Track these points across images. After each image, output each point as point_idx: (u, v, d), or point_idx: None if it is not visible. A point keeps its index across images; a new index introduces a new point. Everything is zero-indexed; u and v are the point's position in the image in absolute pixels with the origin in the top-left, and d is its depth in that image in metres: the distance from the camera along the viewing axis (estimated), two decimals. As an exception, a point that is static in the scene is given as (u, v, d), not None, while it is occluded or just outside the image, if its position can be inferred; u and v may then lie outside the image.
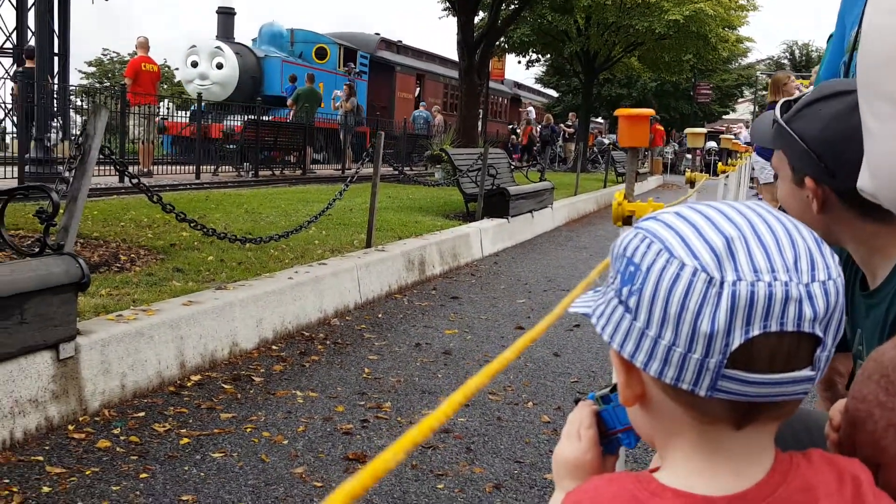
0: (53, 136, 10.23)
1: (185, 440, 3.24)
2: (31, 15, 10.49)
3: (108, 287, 4.56)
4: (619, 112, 2.70)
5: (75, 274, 3.31)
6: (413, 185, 13.08)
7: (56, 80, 10.13)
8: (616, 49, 29.14)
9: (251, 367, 4.26)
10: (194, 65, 19.54)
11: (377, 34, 28.38)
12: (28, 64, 10.37)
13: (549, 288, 7.12)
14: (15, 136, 10.57)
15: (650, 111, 2.80)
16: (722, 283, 0.72)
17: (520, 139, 29.79)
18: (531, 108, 31.48)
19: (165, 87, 41.64)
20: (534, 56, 32.30)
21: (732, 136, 16.91)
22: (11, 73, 10.14)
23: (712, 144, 28.75)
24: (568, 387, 4.27)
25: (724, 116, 50.21)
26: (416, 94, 28.81)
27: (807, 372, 0.75)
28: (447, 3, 23.27)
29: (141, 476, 2.89)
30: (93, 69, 43.66)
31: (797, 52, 55.22)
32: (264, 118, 16.75)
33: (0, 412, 3.00)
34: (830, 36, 3.82)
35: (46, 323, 3.19)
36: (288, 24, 23.38)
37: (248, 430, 3.39)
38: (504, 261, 8.63)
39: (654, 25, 24.68)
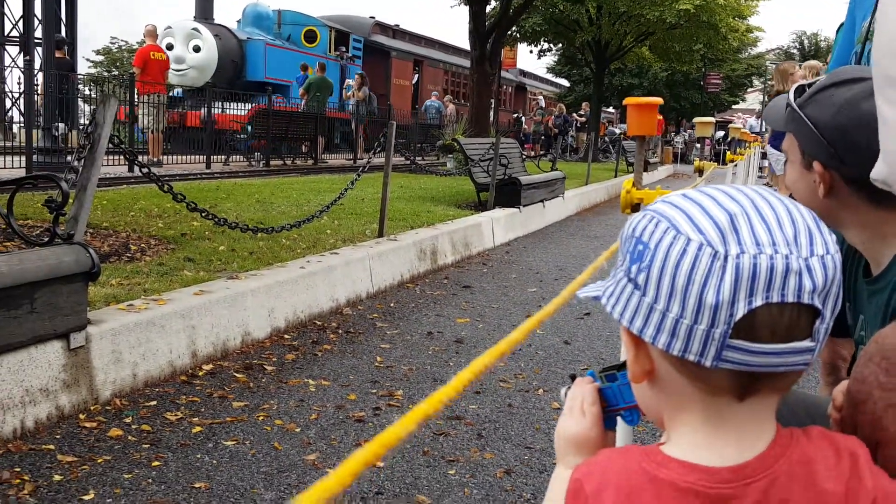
0: (61, 125, 10.25)
1: (198, 428, 3.23)
2: (37, 3, 10.49)
3: (119, 277, 4.56)
4: (627, 101, 2.69)
5: (85, 263, 3.30)
6: (425, 175, 13.06)
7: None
8: (627, 39, 29.01)
9: (263, 356, 4.25)
10: (169, 48, 17.84)
11: (372, 17, 27.40)
12: (58, 55, 10.37)
13: (560, 277, 7.09)
14: (22, 125, 10.58)
15: (658, 100, 2.78)
16: (726, 257, 0.76)
17: (525, 128, 29.71)
18: (541, 98, 31.36)
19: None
20: (545, 45, 32.17)
21: (741, 126, 16.83)
22: (24, 63, 10.15)
23: (721, 133, 28.64)
24: (577, 372, 4.23)
25: (734, 106, 49.98)
26: (415, 80, 27.89)
27: (807, 343, 0.79)
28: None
29: (153, 464, 2.89)
30: (101, 58, 43.64)
31: (806, 41, 54.87)
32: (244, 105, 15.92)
33: (11, 401, 3.00)
34: (840, 26, 3.78)
35: (57, 312, 3.18)
36: (276, 5, 22.32)
37: (261, 418, 3.38)
38: (516, 250, 8.60)
39: (664, 15, 24.54)
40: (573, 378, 1.08)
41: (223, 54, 18.61)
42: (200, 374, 3.91)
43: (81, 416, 3.25)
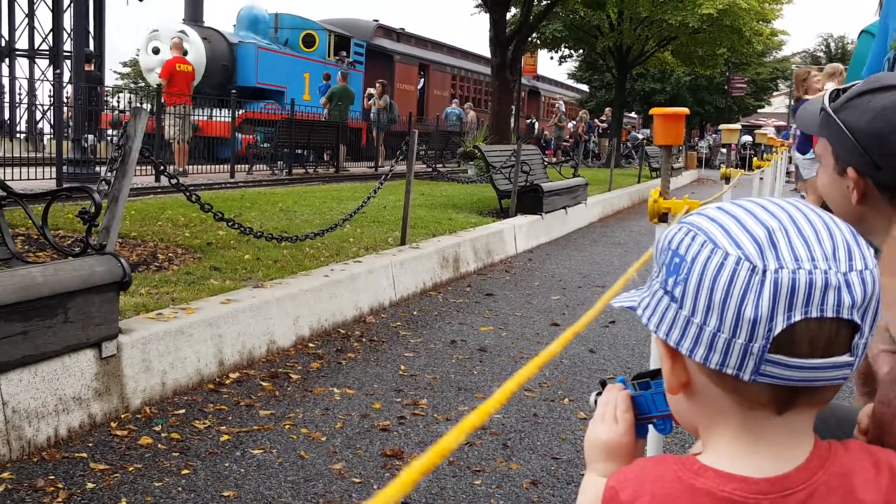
0: (90, 137, 10.40)
1: (225, 437, 3.28)
2: (66, 16, 10.66)
3: (148, 286, 4.63)
4: (654, 111, 2.71)
5: (117, 273, 3.36)
6: (446, 182, 13.10)
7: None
8: (649, 44, 28.95)
9: (288, 365, 4.30)
10: (156, 51, 17.04)
11: (375, 21, 26.55)
12: (87, 68, 10.53)
13: (583, 284, 7.09)
14: (52, 136, 10.75)
15: (685, 110, 2.80)
16: (764, 272, 0.76)
17: (547, 134, 29.64)
18: (561, 103, 31.35)
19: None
20: (566, 51, 32.17)
21: (766, 132, 16.73)
22: (53, 76, 10.34)
23: (747, 139, 28.47)
24: (607, 377, 4.24)
25: (759, 110, 49.65)
26: (420, 85, 27.11)
27: (846, 358, 0.79)
28: (479, 0, 23.22)
29: (182, 472, 2.93)
30: (128, 69, 44.13)
31: (832, 44, 54.41)
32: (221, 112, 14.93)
33: (45, 410, 3.06)
34: (862, 31, 3.77)
35: (89, 322, 3.24)
36: (275, 9, 21.72)
37: (287, 426, 3.43)
38: (538, 257, 8.61)
39: (687, 19, 24.47)
40: (603, 384, 1.08)
41: (212, 58, 17.81)
42: (227, 382, 3.96)
43: (113, 425, 3.31)
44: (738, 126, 8.72)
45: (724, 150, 32.78)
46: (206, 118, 14.13)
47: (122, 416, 3.40)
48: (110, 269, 3.34)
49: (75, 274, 3.17)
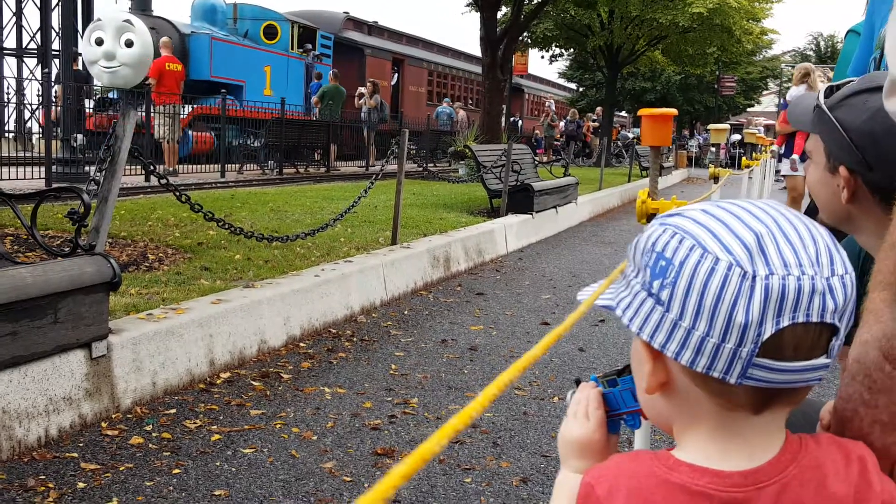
0: (80, 136, 10.37)
1: (216, 436, 3.28)
2: (54, 15, 10.64)
3: (138, 286, 4.63)
4: (642, 112, 2.72)
5: (107, 274, 3.37)
6: (437, 182, 13.12)
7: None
8: (640, 43, 29.04)
9: (279, 365, 4.30)
10: (99, 42, 15.46)
11: (345, 13, 25.33)
12: (75, 67, 10.49)
13: (573, 283, 7.11)
14: (41, 136, 10.72)
15: (672, 111, 2.82)
16: (754, 277, 0.77)
17: (537, 133, 29.65)
18: (552, 102, 31.38)
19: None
20: (557, 51, 32.21)
21: (755, 130, 16.81)
22: (41, 75, 10.31)
23: (737, 137, 28.56)
24: (584, 377, 4.26)
25: (749, 109, 49.83)
26: (394, 81, 26.04)
27: (823, 360, 0.81)
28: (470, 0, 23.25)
29: (174, 471, 2.94)
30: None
31: (822, 43, 54.64)
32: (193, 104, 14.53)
33: (35, 410, 3.06)
34: (849, 31, 3.80)
35: (79, 322, 3.24)
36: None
37: (278, 426, 3.43)
38: (529, 256, 8.63)
39: (677, 18, 24.55)
40: (578, 383, 1.09)
41: (160, 50, 16.61)
42: (218, 382, 3.97)
43: (103, 425, 3.31)
44: (726, 126, 8.75)
45: (713, 149, 32.90)
46: (153, 115, 13.17)
47: (113, 416, 3.41)
48: (100, 270, 3.34)
49: (65, 274, 3.17)
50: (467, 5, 25.66)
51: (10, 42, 15.98)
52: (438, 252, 7.02)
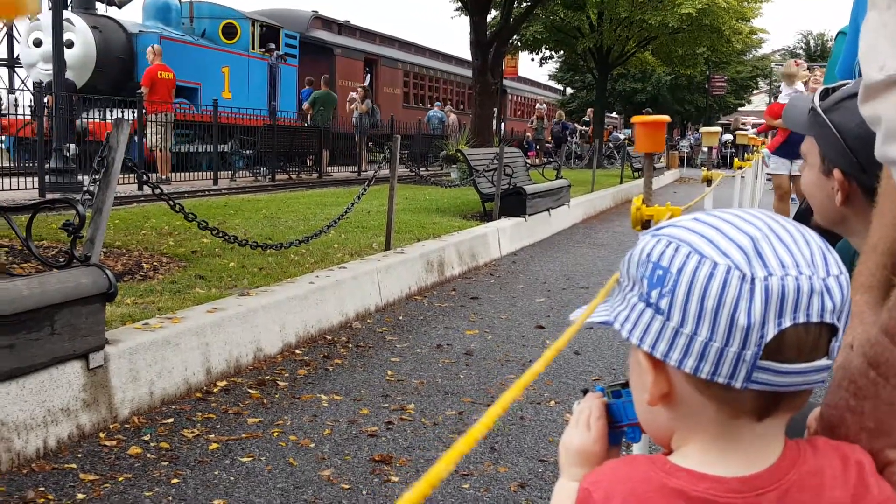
0: (72, 146, 10.36)
1: (214, 445, 3.29)
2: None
3: (133, 296, 4.63)
4: (635, 119, 2.75)
5: (103, 284, 3.37)
6: (429, 186, 13.12)
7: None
8: (629, 44, 29.09)
9: (276, 372, 4.31)
10: (37, 44, 14.78)
11: (314, 12, 24.28)
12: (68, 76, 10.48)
13: (567, 286, 7.14)
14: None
15: (666, 118, 2.84)
16: (753, 279, 0.78)
17: (529, 136, 29.66)
18: (544, 105, 31.43)
19: None
20: (547, 53, 32.26)
21: (746, 131, 16.87)
22: (32, 85, 10.29)
23: (728, 136, 28.65)
24: (589, 384, 4.29)
25: (739, 108, 49.99)
26: (367, 82, 24.51)
27: (824, 361, 0.82)
28: (459, 3, 23.26)
29: (172, 481, 2.95)
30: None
31: (812, 42, 54.87)
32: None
33: (34, 422, 3.07)
34: (839, 32, 3.83)
35: (76, 333, 3.25)
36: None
37: (275, 434, 3.44)
38: (522, 260, 8.66)
39: (667, 19, 24.61)
40: (585, 392, 1.09)
41: (105, 51, 15.62)
42: (215, 390, 3.97)
43: (102, 435, 3.32)
44: (717, 129, 8.80)
45: (705, 150, 32.97)
46: (98, 120, 12.28)
47: (111, 426, 3.41)
48: (96, 281, 3.35)
49: (61, 286, 3.18)
50: (457, 9, 25.68)
51: (0, 52, 15.95)
52: (432, 257, 7.03)
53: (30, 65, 15.31)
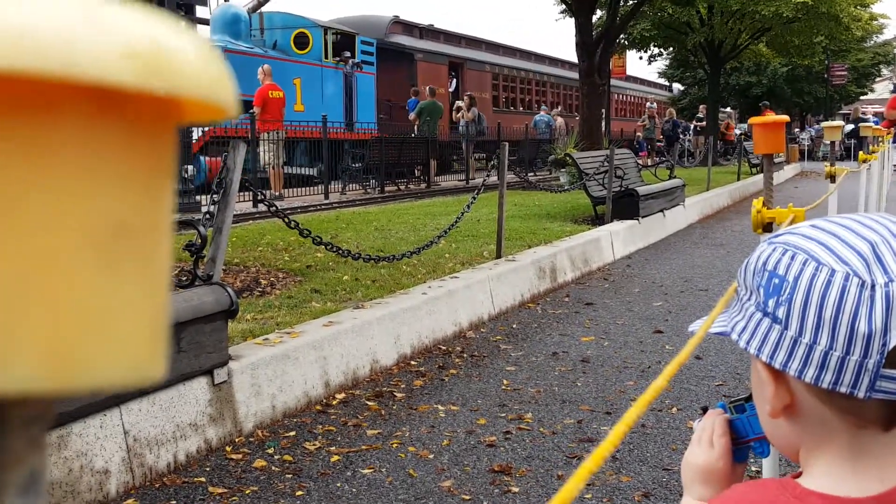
0: (189, 167, 10.78)
1: (336, 457, 3.34)
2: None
3: (253, 311, 4.76)
4: (753, 121, 2.66)
5: (225, 302, 3.48)
6: (538, 192, 13.05)
7: None
8: (742, 37, 28.17)
9: (392, 384, 4.35)
10: None
11: (394, 16, 23.37)
12: None
13: (685, 289, 6.94)
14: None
15: (784, 118, 2.75)
16: (873, 286, 0.76)
17: (639, 135, 29.10)
18: (654, 104, 30.79)
19: None
20: (655, 50, 31.62)
21: (867, 121, 16.06)
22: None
23: (849, 127, 27.38)
24: (713, 390, 4.15)
25: (861, 97, 47.74)
26: (452, 87, 23.79)
27: None
28: (564, 5, 23.07)
29: (297, 493, 3.00)
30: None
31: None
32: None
33: (164, 437, 3.18)
34: None
35: (201, 350, 3.36)
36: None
37: (395, 445, 3.46)
38: (637, 263, 8.48)
39: (780, 9, 23.70)
40: (705, 410, 1.07)
41: None
42: (334, 403, 4.04)
43: (228, 449, 3.41)
44: (840, 123, 8.41)
45: (827, 143, 31.63)
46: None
47: (237, 439, 3.51)
48: (218, 299, 3.45)
49: (186, 305, 3.29)
50: (561, 12, 25.48)
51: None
52: (544, 263, 6.97)
53: None
